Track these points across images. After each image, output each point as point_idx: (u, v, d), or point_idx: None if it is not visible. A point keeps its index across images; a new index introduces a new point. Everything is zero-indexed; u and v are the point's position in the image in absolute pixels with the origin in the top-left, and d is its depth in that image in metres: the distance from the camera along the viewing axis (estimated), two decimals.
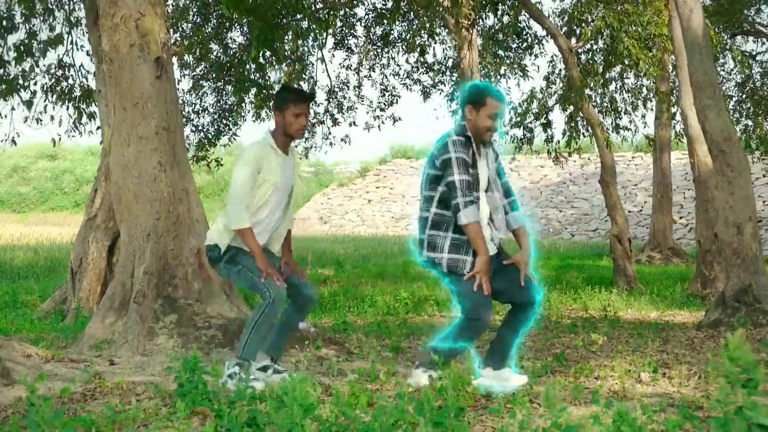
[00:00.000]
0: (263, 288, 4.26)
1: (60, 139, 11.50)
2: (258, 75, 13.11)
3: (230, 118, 14.95)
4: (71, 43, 10.78)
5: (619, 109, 14.34)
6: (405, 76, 16.33)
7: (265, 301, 4.28)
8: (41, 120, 11.25)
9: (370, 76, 15.98)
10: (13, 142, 11.42)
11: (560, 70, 14.57)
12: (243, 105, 14.79)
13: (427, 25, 13.59)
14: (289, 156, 4.50)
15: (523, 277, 4.21)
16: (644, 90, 15.70)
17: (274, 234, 4.52)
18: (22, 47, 10.16)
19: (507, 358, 4.32)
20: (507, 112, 4.23)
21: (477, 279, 4.09)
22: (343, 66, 15.64)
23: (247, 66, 13.05)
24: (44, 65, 11.06)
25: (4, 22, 10.10)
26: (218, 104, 14.86)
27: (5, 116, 10.98)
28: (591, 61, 13.96)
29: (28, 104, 10.89)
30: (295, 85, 4.73)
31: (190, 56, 13.34)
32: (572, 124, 13.08)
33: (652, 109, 16.92)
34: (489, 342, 4.54)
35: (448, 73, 16.07)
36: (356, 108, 16.30)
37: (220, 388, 3.75)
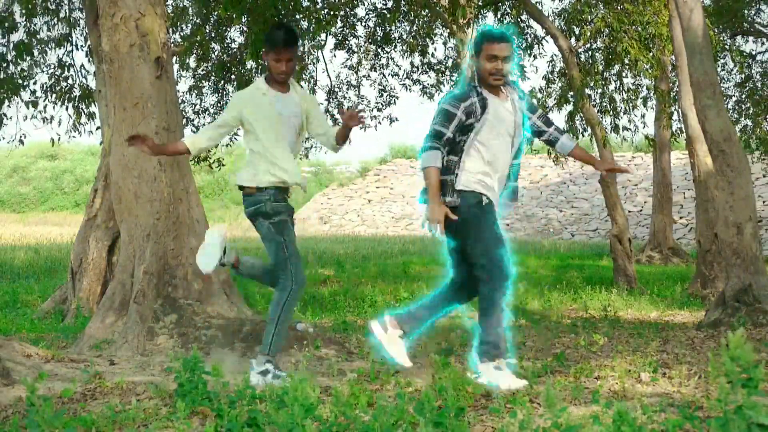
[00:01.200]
0: (285, 276, 4.27)
1: (59, 138, 11.50)
2: (258, 75, 13.11)
3: None
4: (71, 43, 10.79)
5: (618, 109, 14.33)
6: (404, 76, 16.33)
7: (285, 292, 4.28)
8: (48, 119, 11.25)
9: (368, 76, 15.99)
10: (21, 142, 11.43)
11: (561, 68, 14.57)
12: None
13: (426, 25, 13.60)
14: (289, 92, 4.49)
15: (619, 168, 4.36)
16: (644, 90, 15.71)
17: (293, 167, 4.47)
18: (21, 46, 10.16)
19: (497, 347, 4.27)
20: (511, 52, 4.14)
21: (433, 226, 4.11)
22: (345, 66, 15.65)
23: (248, 66, 13.06)
24: (45, 65, 11.03)
25: (6, 23, 10.11)
26: (219, 104, 14.86)
27: (10, 117, 10.98)
28: (590, 60, 13.96)
29: (33, 104, 10.90)
30: (284, 26, 4.70)
31: (191, 57, 13.34)
32: (571, 124, 13.08)
33: (652, 109, 16.93)
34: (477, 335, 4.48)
35: (448, 73, 16.07)
36: (356, 108, 16.30)
37: (220, 386, 3.75)
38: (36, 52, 10.48)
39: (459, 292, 4.40)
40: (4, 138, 11.30)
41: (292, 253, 4.34)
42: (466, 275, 4.31)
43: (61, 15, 10.64)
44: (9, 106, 10.67)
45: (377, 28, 14.71)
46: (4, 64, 10.28)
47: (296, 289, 4.27)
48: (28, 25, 10.29)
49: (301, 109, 4.52)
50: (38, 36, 10.38)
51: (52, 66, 10.95)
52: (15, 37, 10.34)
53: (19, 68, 10.34)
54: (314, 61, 14.76)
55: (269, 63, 4.43)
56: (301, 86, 4.68)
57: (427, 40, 14.53)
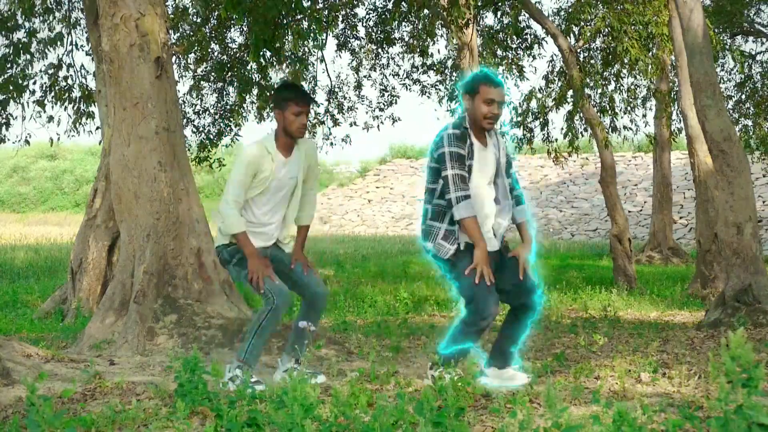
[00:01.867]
0: (268, 293, 4.27)
1: (59, 138, 11.50)
2: (259, 75, 13.11)
3: (231, 119, 14.94)
4: (71, 43, 10.79)
5: (618, 109, 14.33)
6: (405, 76, 16.32)
7: (267, 306, 4.28)
8: (51, 118, 11.25)
9: (369, 76, 15.98)
10: (27, 142, 11.43)
11: (560, 68, 14.56)
12: (244, 105, 14.78)
13: (426, 25, 13.59)
14: (293, 155, 4.46)
15: (522, 270, 4.21)
16: (643, 90, 15.70)
17: (278, 233, 4.52)
18: (19, 45, 10.16)
19: (510, 357, 4.33)
20: (506, 98, 4.13)
21: (477, 271, 4.08)
22: (350, 66, 15.65)
23: (249, 66, 13.05)
24: (44, 65, 11.08)
25: (9, 23, 10.11)
26: (219, 105, 14.86)
27: (15, 117, 10.97)
28: (590, 60, 13.95)
29: (40, 104, 10.90)
30: (294, 83, 4.66)
31: (190, 58, 13.34)
32: (570, 123, 13.08)
33: (651, 109, 16.93)
34: (491, 342, 4.54)
35: (448, 73, 16.06)
36: (356, 108, 16.29)
37: (221, 389, 3.75)
38: (35, 52, 10.47)
39: (526, 313, 4.34)
40: (9, 139, 11.25)
41: (267, 281, 4.32)
42: (520, 296, 4.30)
43: (61, 15, 10.64)
44: (15, 105, 10.67)
45: (377, 27, 14.70)
46: (8, 65, 10.28)
47: (279, 305, 4.25)
48: (27, 24, 10.28)
49: (301, 169, 4.49)
50: (37, 36, 10.37)
51: (52, 66, 10.95)
52: (16, 37, 10.34)
53: (18, 68, 10.33)
54: (317, 61, 14.76)
55: (287, 118, 4.35)
56: (307, 139, 4.63)
57: (428, 39, 14.51)
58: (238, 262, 4.36)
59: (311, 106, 4.45)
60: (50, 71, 10.94)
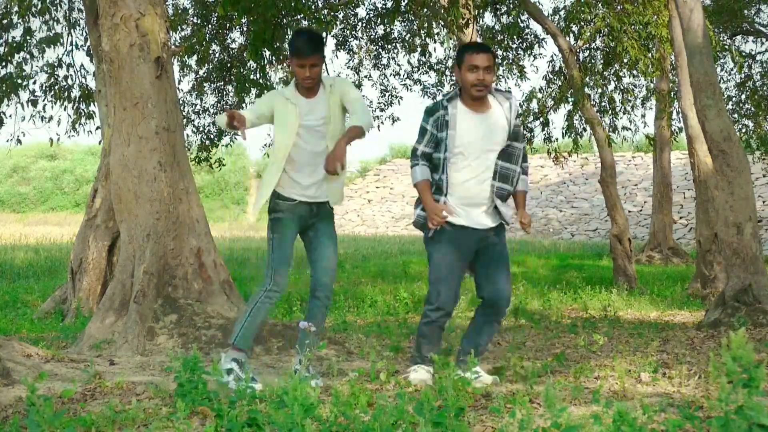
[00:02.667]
0: (266, 274, 4.27)
1: (58, 138, 11.50)
2: (258, 75, 13.10)
3: None
4: (71, 43, 10.78)
5: (617, 109, 14.34)
6: (405, 76, 16.32)
7: (261, 288, 4.30)
8: (47, 119, 11.24)
9: (370, 76, 15.98)
10: (18, 141, 11.42)
11: (560, 68, 14.57)
12: (243, 105, 14.78)
13: (426, 25, 13.58)
14: (318, 94, 4.37)
15: (521, 218, 4.25)
16: (643, 89, 15.70)
17: (321, 181, 4.40)
18: (15, 44, 10.15)
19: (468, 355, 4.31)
20: (493, 63, 4.18)
21: (435, 224, 4.20)
22: (348, 66, 15.64)
23: (248, 65, 13.05)
24: (44, 64, 11.02)
25: (5, 20, 10.10)
26: (219, 105, 14.85)
27: (9, 116, 10.95)
28: (590, 59, 13.95)
29: (33, 103, 10.89)
30: (303, 32, 4.55)
31: (191, 59, 13.34)
32: (570, 123, 13.08)
33: (651, 109, 16.93)
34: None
35: (448, 73, 16.06)
36: None
37: (219, 385, 3.75)
38: (34, 51, 10.46)
39: (494, 309, 4.41)
40: (1, 137, 11.29)
41: (277, 256, 4.31)
42: (489, 290, 4.36)
43: (60, 14, 10.63)
44: (8, 105, 10.66)
45: (377, 27, 14.70)
46: (3, 63, 10.27)
47: (272, 291, 4.25)
48: (23, 23, 10.27)
49: (329, 106, 4.35)
50: (34, 35, 10.36)
51: (51, 65, 10.94)
52: (11, 36, 10.34)
53: (14, 67, 10.32)
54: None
55: (294, 69, 4.33)
56: (337, 80, 4.51)
57: (427, 39, 14.51)
58: (274, 222, 4.35)
59: (317, 56, 4.30)
60: (49, 70, 10.92)
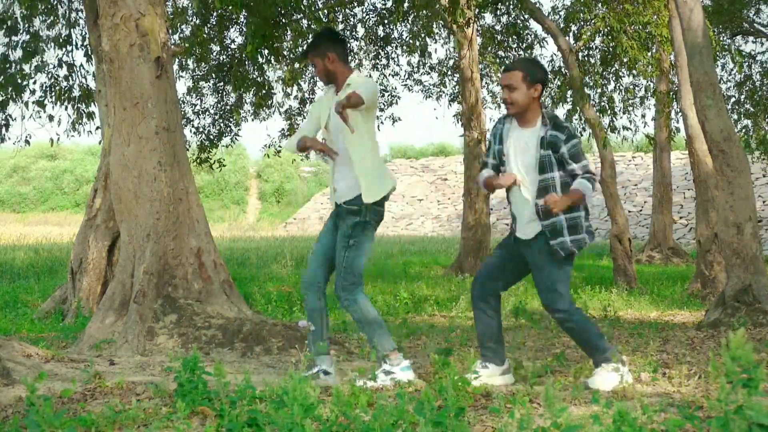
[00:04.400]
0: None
1: (59, 138, 11.50)
2: (257, 74, 13.10)
3: (231, 119, 14.94)
4: (71, 43, 10.78)
5: (617, 109, 14.34)
6: (405, 76, 16.32)
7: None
8: (52, 117, 11.24)
9: (370, 76, 15.98)
10: (27, 142, 11.43)
11: (559, 67, 14.57)
12: (243, 104, 14.78)
13: (426, 25, 13.59)
14: (342, 91, 4.42)
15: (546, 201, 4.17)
16: (642, 89, 15.71)
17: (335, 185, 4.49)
18: (27, 48, 10.16)
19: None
20: (511, 82, 4.26)
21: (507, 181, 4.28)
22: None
23: (246, 65, 13.05)
24: (46, 66, 11.02)
25: (8, 23, 10.10)
26: (219, 105, 14.86)
27: (15, 119, 10.96)
28: (589, 58, 13.96)
29: (40, 104, 10.90)
30: (325, 30, 4.73)
31: (190, 59, 13.34)
32: (570, 123, 13.09)
33: (650, 108, 16.94)
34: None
35: (449, 73, 16.07)
36: None
37: (221, 386, 3.74)
38: (37, 52, 10.47)
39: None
40: (10, 138, 11.24)
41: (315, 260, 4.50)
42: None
43: (61, 15, 10.63)
44: (16, 105, 10.66)
45: (378, 27, 14.70)
46: (8, 65, 10.27)
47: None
48: (28, 25, 10.28)
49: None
50: (39, 36, 10.37)
51: (53, 66, 10.95)
52: (17, 38, 10.33)
53: (18, 68, 10.33)
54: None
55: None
56: (366, 76, 4.68)
57: (428, 39, 14.52)
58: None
59: (311, 58, 4.48)
60: (51, 71, 10.93)
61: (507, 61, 15.57)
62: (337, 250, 4.44)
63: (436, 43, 14.85)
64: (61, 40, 10.31)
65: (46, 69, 10.70)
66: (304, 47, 4.54)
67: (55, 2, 10.48)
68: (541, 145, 4.21)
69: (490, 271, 4.42)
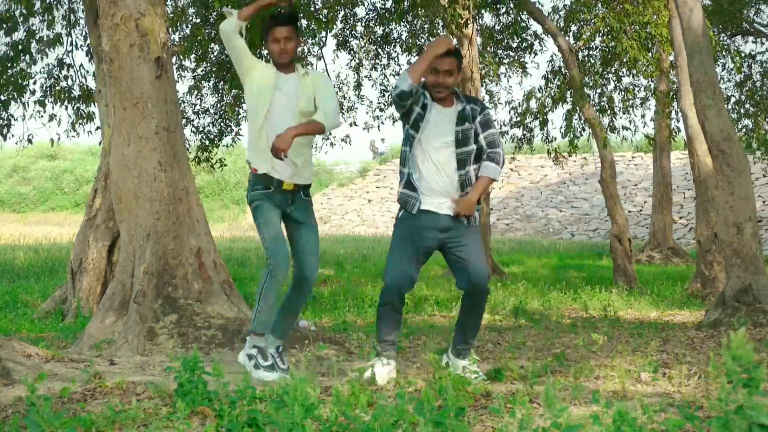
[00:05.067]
0: (267, 255, 4.28)
1: (59, 138, 11.51)
2: None
3: (230, 118, 14.94)
4: (71, 43, 10.78)
5: (617, 108, 14.34)
6: None
7: (266, 271, 4.31)
8: (52, 117, 11.24)
9: (370, 76, 15.98)
10: (29, 141, 11.43)
11: (559, 67, 14.57)
12: (241, 103, 14.77)
13: (426, 25, 13.58)
14: (291, 74, 4.39)
15: (456, 209, 4.31)
16: (642, 89, 15.71)
17: (293, 164, 4.36)
18: (19, 46, 10.16)
19: (459, 344, 4.46)
20: (455, 67, 4.38)
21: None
22: (349, 66, 15.64)
23: None
24: (44, 65, 11.05)
25: (8, 23, 10.10)
26: (218, 105, 14.86)
27: (16, 119, 10.95)
28: (590, 60, 13.95)
29: (41, 104, 10.90)
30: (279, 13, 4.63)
31: (189, 59, 13.33)
32: (569, 122, 13.09)
33: (650, 109, 16.94)
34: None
35: None
36: (356, 108, 16.29)
37: (220, 386, 3.75)
38: (34, 52, 10.47)
39: (470, 294, 4.45)
40: (13, 136, 11.25)
41: (269, 236, 4.30)
42: (461, 276, 4.42)
43: (60, 14, 10.64)
44: (17, 105, 10.67)
45: (377, 27, 14.69)
46: (8, 65, 10.28)
47: (276, 267, 4.24)
48: (25, 24, 10.27)
49: (302, 95, 4.36)
50: (36, 36, 10.37)
51: (52, 66, 10.95)
52: (15, 37, 10.34)
53: (18, 68, 10.33)
54: (316, 57, 14.74)
55: (270, 48, 4.37)
56: (314, 71, 4.59)
57: (430, 38, 14.50)
58: (255, 209, 4.34)
59: (290, 28, 4.36)
60: (49, 71, 10.93)
61: (507, 61, 15.57)
62: (304, 230, 4.43)
63: None
64: (54, 38, 10.28)
65: (42, 67, 10.71)
66: (284, 17, 4.36)
67: (54, 2, 10.48)
68: (459, 121, 4.37)
69: (408, 269, 4.41)
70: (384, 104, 16.27)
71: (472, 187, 4.37)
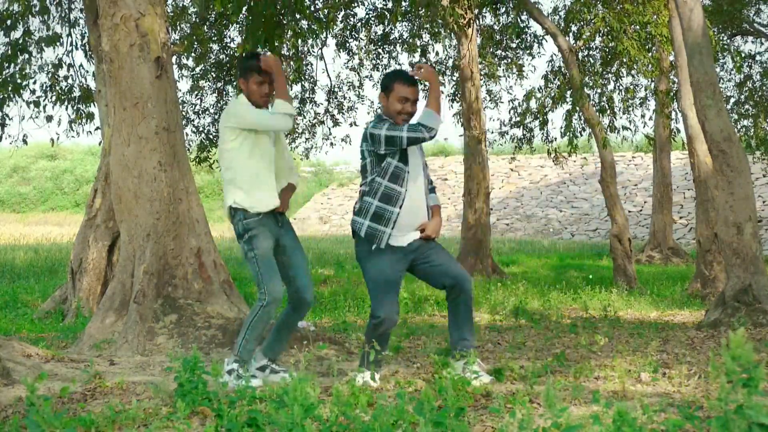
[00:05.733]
0: (262, 287, 4.27)
1: (59, 138, 11.50)
2: None
3: None
4: (71, 43, 10.78)
5: (617, 108, 14.34)
6: None
7: (260, 302, 4.30)
8: (50, 117, 11.24)
9: (371, 76, 15.97)
10: (24, 141, 11.44)
11: (559, 67, 14.57)
12: None
13: (427, 25, 13.58)
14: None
15: (427, 233, 4.35)
16: (642, 89, 15.71)
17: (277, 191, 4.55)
18: (16, 45, 10.15)
19: (457, 341, 4.41)
20: (419, 96, 4.42)
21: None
22: (347, 67, 15.63)
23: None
24: (43, 64, 11.02)
25: (8, 22, 10.10)
26: (218, 104, 14.86)
27: (12, 118, 10.95)
28: (590, 60, 13.95)
29: (36, 104, 10.90)
30: (257, 54, 4.73)
31: (189, 58, 13.33)
32: (569, 122, 13.09)
33: (649, 109, 16.94)
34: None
35: (449, 72, 16.06)
36: (356, 108, 16.28)
37: (220, 386, 3.75)
38: (33, 51, 10.46)
39: (457, 292, 4.43)
40: (9, 136, 11.23)
41: (266, 270, 4.34)
42: (443, 278, 4.47)
43: (60, 14, 10.63)
44: (9, 105, 10.66)
45: (378, 27, 14.69)
46: (6, 64, 10.27)
47: (270, 302, 4.29)
48: (23, 23, 10.27)
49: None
50: (34, 35, 10.36)
51: (51, 65, 10.94)
52: (14, 36, 10.33)
53: (17, 67, 10.32)
54: (319, 59, 14.75)
55: (250, 89, 4.47)
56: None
57: (431, 39, 14.51)
58: (249, 239, 4.36)
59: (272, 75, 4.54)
60: (49, 71, 10.92)
61: (507, 61, 15.57)
62: (298, 254, 4.52)
63: (437, 42, 14.82)
64: (51, 38, 10.27)
65: (40, 65, 10.69)
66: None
67: (53, 2, 10.47)
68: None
69: (396, 298, 4.41)
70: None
71: (432, 211, 4.45)
